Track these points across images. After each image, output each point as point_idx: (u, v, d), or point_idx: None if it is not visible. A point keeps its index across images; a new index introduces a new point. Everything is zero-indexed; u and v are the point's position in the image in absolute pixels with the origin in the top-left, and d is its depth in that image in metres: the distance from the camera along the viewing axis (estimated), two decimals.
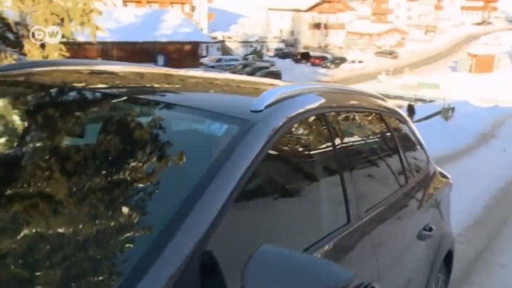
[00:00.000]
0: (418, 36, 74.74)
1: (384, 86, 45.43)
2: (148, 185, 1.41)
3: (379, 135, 2.66)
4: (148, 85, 2.15)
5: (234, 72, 37.36)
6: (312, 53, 59.75)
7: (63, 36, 13.64)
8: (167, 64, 33.74)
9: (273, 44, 65.83)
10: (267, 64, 48.73)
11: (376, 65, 56.42)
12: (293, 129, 1.70)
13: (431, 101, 34.28)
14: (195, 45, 41.59)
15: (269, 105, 1.53)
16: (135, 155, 1.53)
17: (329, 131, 1.89)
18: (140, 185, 1.41)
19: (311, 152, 1.91)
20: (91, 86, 2.00)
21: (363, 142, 2.50)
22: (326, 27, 69.00)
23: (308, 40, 67.72)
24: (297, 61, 57.26)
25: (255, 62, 50.68)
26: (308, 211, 1.78)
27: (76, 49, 15.40)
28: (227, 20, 66.30)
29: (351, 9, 72.28)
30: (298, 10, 67.55)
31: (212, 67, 42.71)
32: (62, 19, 13.18)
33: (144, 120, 1.73)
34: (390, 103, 2.93)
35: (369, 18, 78.96)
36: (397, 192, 2.46)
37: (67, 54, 12.90)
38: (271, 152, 1.50)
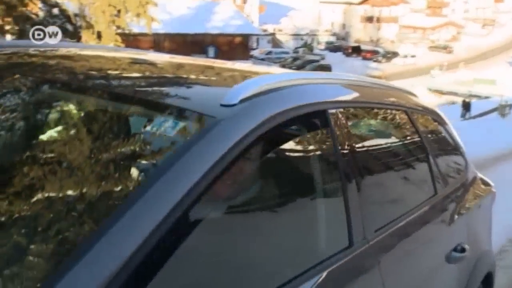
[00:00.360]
0: (475, 30, 72.16)
1: (437, 81, 44.30)
2: (64, 194, 1.16)
3: (402, 137, 2.28)
4: (101, 70, 1.78)
5: (283, 65, 37.33)
6: (363, 47, 58.83)
7: (118, 27, 14.09)
8: (218, 56, 34.08)
9: (324, 38, 65.27)
10: (317, 58, 48.45)
11: (429, 60, 55.00)
12: (280, 128, 1.34)
13: (486, 97, 33.20)
14: (246, 37, 41.74)
15: (246, 99, 1.24)
16: (54, 157, 1.34)
17: (331, 132, 1.52)
18: (55, 194, 1.17)
19: (303, 158, 1.55)
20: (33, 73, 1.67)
21: (378, 146, 2.08)
22: (378, 20, 67.72)
23: (360, 33, 66.70)
24: (348, 54, 56.56)
25: (305, 55, 50.48)
26: (295, 233, 1.43)
27: (131, 40, 15.80)
28: (278, 13, 66.14)
29: (405, 2, 70.56)
30: (350, 3, 66.64)
31: (262, 59, 42.82)
32: (119, 11, 13.59)
33: (77, 113, 1.54)
34: (421, 99, 2.53)
35: (423, 12, 76.91)
36: (422, 205, 2.04)
37: (122, 45, 13.25)
38: (247, 156, 1.24)
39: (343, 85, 1.82)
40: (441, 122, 2.59)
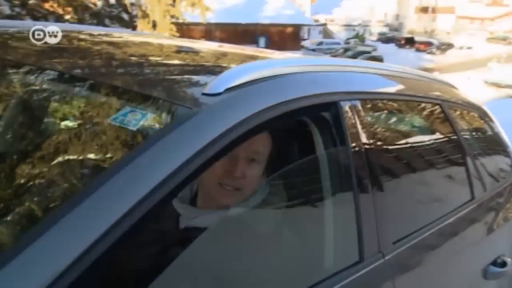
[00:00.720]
0: None
1: (494, 74, 42.71)
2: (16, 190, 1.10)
3: (432, 135, 2.04)
4: (75, 54, 1.61)
5: (334, 56, 36.97)
6: (417, 38, 57.34)
7: (172, 16, 14.32)
8: (268, 46, 34.11)
9: (377, 28, 64.17)
10: (368, 49, 47.61)
11: (487, 52, 53.02)
12: (278, 123, 1.18)
13: None
14: (297, 27, 41.58)
15: (233, 87, 1.07)
16: (19, 148, 1.30)
17: (342, 127, 1.31)
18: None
19: (305, 157, 1.35)
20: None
21: (402, 144, 1.80)
22: (434, 11, 65.92)
23: (414, 24, 65.11)
24: (400, 46, 55.26)
25: (356, 46, 49.72)
26: (296, 244, 1.27)
27: (184, 29, 16.05)
28: (330, 3, 65.37)
29: None
30: None
31: (313, 50, 42.53)
32: (174, 0, 13.81)
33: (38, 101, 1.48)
34: (462, 93, 2.26)
35: (482, 2, 74.15)
36: (454, 212, 1.78)
37: (177, 34, 13.48)
38: (235, 153, 1.15)
39: (362, 74, 1.59)
40: (485, 118, 2.34)
